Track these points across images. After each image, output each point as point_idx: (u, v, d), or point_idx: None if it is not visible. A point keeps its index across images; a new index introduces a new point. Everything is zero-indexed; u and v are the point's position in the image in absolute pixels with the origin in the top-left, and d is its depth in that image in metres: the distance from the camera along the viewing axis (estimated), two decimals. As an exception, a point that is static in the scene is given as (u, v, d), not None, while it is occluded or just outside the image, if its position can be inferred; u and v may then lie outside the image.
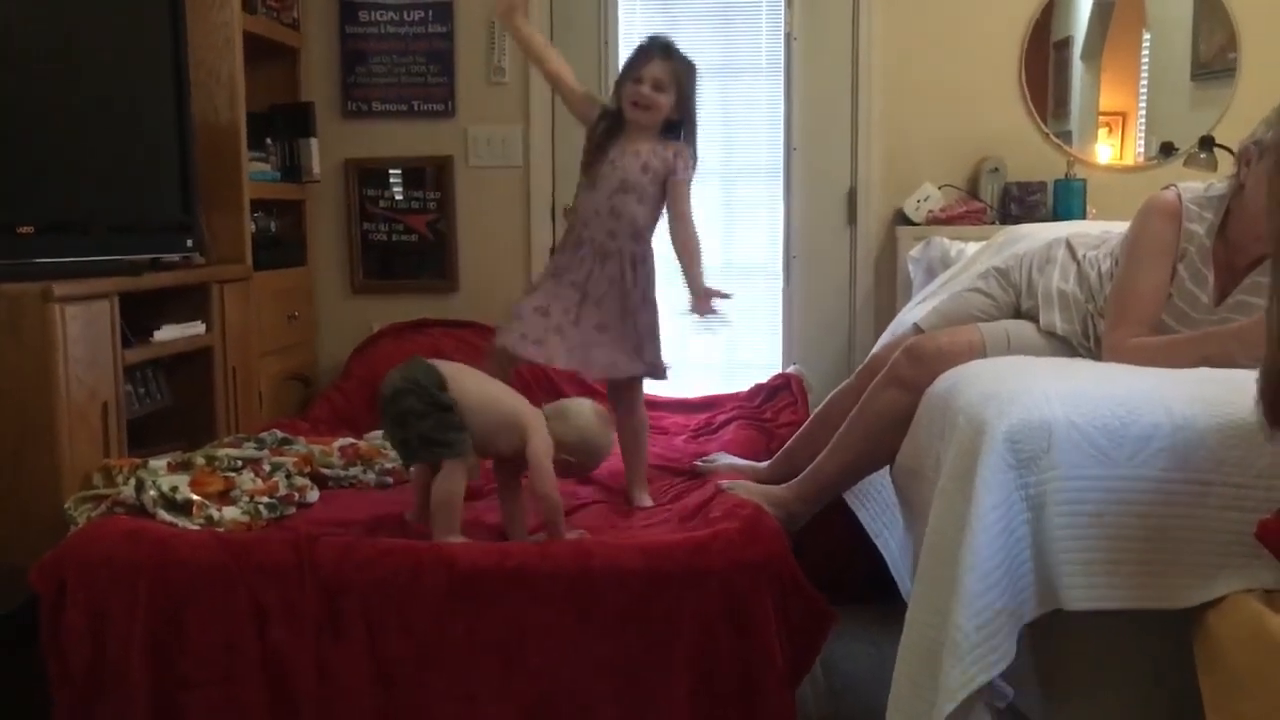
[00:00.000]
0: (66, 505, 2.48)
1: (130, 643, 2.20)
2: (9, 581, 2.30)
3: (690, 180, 2.69)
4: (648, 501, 2.68)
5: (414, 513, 2.47)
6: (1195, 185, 2.41)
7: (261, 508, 2.45)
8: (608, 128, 2.69)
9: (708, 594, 2.14)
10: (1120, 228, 2.56)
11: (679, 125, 2.69)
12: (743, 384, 3.85)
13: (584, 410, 2.46)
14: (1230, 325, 2.27)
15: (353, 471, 2.86)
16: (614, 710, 2.16)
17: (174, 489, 2.42)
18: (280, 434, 3.01)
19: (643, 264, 2.70)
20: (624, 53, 3.92)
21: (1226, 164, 3.46)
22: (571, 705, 2.17)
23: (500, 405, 2.40)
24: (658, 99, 2.63)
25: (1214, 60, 3.97)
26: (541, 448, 2.34)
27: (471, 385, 2.38)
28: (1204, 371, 2.09)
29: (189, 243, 3.11)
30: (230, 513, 2.40)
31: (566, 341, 2.66)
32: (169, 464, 2.60)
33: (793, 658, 2.18)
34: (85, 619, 2.21)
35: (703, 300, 2.62)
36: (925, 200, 3.92)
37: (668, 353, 2.76)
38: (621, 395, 2.76)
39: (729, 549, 2.17)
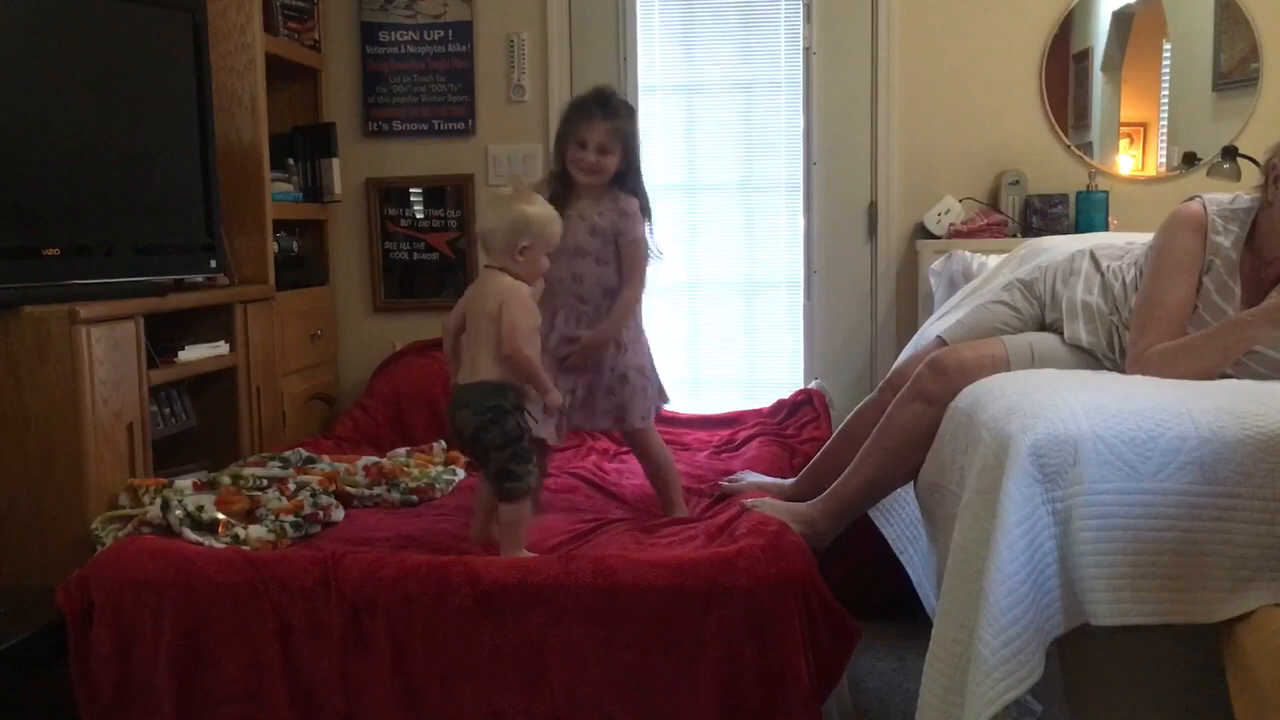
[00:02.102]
0: (93, 525, 2.50)
1: (156, 661, 2.21)
2: (36, 601, 2.32)
3: (642, 235, 2.66)
4: (684, 511, 2.71)
5: (476, 531, 2.53)
6: (1220, 197, 2.40)
7: (287, 526, 2.46)
8: (557, 191, 2.64)
9: (733, 610, 2.13)
10: (1144, 238, 2.54)
11: (624, 173, 2.66)
12: (764, 400, 3.85)
13: (497, 205, 2.43)
14: (1245, 312, 2.24)
15: (377, 491, 2.87)
16: (639, 726, 2.16)
17: (200, 508, 2.44)
18: (305, 453, 3.03)
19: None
20: (643, 68, 4.02)
21: (1250, 173, 3.44)
22: (597, 721, 2.16)
23: (489, 323, 2.36)
24: (604, 162, 2.61)
25: (1235, 70, 3.95)
26: (516, 315, 2.34)
27: (487, 359, 2.37)
28: (1231, 383, 2.08)
29: (212, 263, 3.13)
30: (256, 531, 2.41)
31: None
32: (195, 483, 2.62)
33: (818, 673, 2.17)
34: (112, 638, 2.23)
35: (581, 353, 2.62)
36: (946, 213, 3.91)
37: (667, 381, 2.79)
38: (630, 442, 2.79)
39: (754, 565, 2.16)
